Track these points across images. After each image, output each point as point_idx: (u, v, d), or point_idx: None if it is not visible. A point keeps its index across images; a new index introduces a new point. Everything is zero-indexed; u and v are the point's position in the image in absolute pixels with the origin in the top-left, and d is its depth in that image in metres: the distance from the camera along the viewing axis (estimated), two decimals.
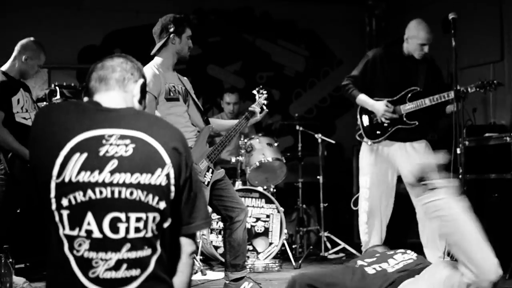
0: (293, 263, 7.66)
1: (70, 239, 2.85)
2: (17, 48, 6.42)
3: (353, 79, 7.02)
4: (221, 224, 7.56)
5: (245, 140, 8.06)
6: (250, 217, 7.72)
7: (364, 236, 7.16)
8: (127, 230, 2.85)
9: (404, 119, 6.75)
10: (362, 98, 6.91)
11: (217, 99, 9.39)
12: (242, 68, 10.75)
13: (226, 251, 5.87)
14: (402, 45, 6.88)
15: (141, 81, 3.31)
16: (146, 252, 2.87)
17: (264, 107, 6.20)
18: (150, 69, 5.64)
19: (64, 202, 2.85)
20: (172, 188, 2.94)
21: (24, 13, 9.46)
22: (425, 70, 6.84)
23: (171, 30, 5.70)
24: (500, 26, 8.53)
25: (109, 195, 2.85)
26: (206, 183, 5.65)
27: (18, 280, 5.90)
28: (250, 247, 7.64)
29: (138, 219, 2.86)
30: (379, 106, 6.77)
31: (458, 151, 5.75)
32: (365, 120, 7.01)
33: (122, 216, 2.84)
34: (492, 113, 8.43)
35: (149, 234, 2.88)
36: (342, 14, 11.16)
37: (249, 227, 7.69)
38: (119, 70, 3.27)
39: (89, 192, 2.84)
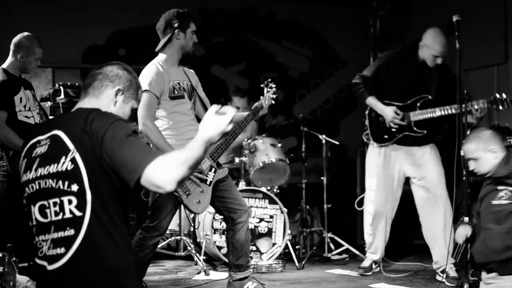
0: (296, 264, 7.65)
1: (31, 229, 3.49)
2: (11, 46, 6.43)
3: (364, 79, 6.99)
4: (224, 225, 7.56)
5: (249, 141, 8.06)
6: (253, 217, 7.72)
7: (369, 237, 7.20)
8: (50, 214, 3.29)
9: (413, 127, 6.76)
10: (372, 101, 6.90)
11: (221, 99, 9.39)
12: (246, 69, 10.75)
13: (229, 252, 5.87)
14: (417, 50, 6.84)
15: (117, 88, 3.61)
16: (69, 232, 3.25)
17: (273, 101, 6.17)
18: (153, 66, 5.63)
19: (23, 200, 3.52)
20: (83, 169, 3.24)
21: (28, 12, 9.46)
22: (438, 78, 6.81)
23: (176, 25, 5.70)
24: (505, 28, 8.54)
25: (36, 188, 3.37)
26: (208, 182, 5.64)
27: (21, 279, 5.89)
28: (254, 248, 7.65)
29: (54, 204, 3.29)
30: (388, 112, 6.76)
31: (462, 153, 5.73)
32: (373, 122, 7.01)
33: (45, 203, 3.33)
34: (496, 115, 8.42)
35: (68, 216, 3.26)
36: (347, 15, 11.16)
37: (253, 227, 7.69)
38: (99, 78, 3.62)
39: (27, 189, 3.45)
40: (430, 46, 6.69)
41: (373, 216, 7.12)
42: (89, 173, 3.23)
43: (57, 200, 3.28)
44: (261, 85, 6.26)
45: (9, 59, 6.42)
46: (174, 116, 5.61)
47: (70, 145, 3.26)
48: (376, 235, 7.16)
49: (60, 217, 3.26)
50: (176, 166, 3.13)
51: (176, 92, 5.64)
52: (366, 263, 7.22)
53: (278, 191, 8.31)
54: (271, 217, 7.83)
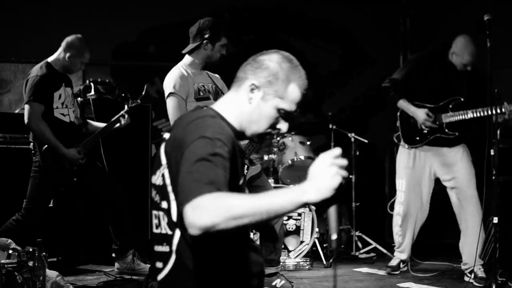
0: (324, 262, 7.66)
1: None
2: (63, 43, 6.50)
3: (394, 82, 7.02)
4: None
5: (278, 138, 8.07)
6: None
7: (398, 238, 7.21)
8: (156, 225, 3.07)
9: (445, 129, 6.74)
10: (404, 104, 6.91)
11: None
12: None
13: (261, 246, 5.90)
14: (447, 52, 6.83)
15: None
16: (165, 248, 3.01)
17: None
18: (177, 70, 5.69)
19: None
20: (169, 188, 2.96)
21: (59, 9, 9.53)
22: (468, 81, 6.79)
23: (206, 36, 5.73)
24: None
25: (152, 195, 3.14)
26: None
27: (51, 273, 5.94)
28: (282, 245, 7.66)
29: (155, 216, 3.07)
30: (420, 114, 6.76)
31: (492, 152, 5.71)
32: (405, 124, 7.00)
33: (154, 212, 3.07)
34: None
35: (164, 231, 3.02)
36: (376, 14, 11.12)
37: None
38: (247, 67, 3.34)
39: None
40: (460, 55, 6.69)
41: (403, 217, 7.13)
42: (175, 193, 2.89)
43: (156, 213, 3.06)
44: None
45: (57, 54, 6.49)
46: None
47: (163, 159, 3.01)
48: (405, 236, 7.17)
49: (159, 230, 3.04)
50: (220, 213, 2.52)
51: (201, 93, 5.69)
52: (394, 262, 7.23)
53: None
54: (299, 215, 7.83)
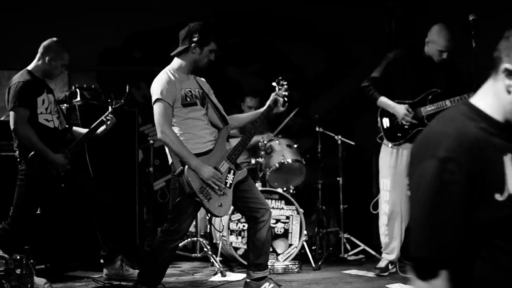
0: (313, 265, 7.66)
1: None
2: (40, 49, 6.47)
3: (373, 81, 7.07)
4: (241, 226, 7.59)
5: (265, 142, 8.07)
6: None
7: (385, 238, 7.24)
8: None
9: (425, 121, 6.75)
10: (383, 101, 6.97)
11: (236, 100, 9.39)
12: (262, 70, 10.75)
13: (249, 250, 5.92)
14: (423, 47, 6.91)
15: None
16: None
17: (285, 98, 6.19)
18: (165, 75, 5.68)
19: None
20: None
21: (44, 14, 9.52)
22: (445, 72, 6.86)
23: (194, 39, 5.71)
24: None
25: None
26: (228, 185, 5.68)
27: (39, 281, 5.93)
28: (270, 249, 7.65)
29: None
30: (400, 109, 6.81)
31: None
32: (386, 122, 7.06)
33: None
34: None
35: None
36: (362, 15, 11.13)
37: None
38: (497, 48, 2.74)
39: None
40: (435, 41, 6.75)
41: (389, 216, 7.16)
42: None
43: None
44: (273, 83, 6.28)
45: (35, 61, 6.47)
46: (188, 122, 5.66)
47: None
48: (392, 236, 7.19)
49: None
50: None
51: (188, 99, 5.68)
52: (382, 264, 7.26)
53: (294, 191, 8.31)
54: (288, 218, 7.83)
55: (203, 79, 6.08)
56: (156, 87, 5.60)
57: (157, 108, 5.55)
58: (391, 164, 7.08)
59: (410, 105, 6.81)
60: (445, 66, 6.87)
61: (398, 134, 6.95)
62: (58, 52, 6.47)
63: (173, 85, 5.60)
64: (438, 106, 6.68)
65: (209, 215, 5.79)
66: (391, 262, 7.26)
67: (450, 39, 6.70)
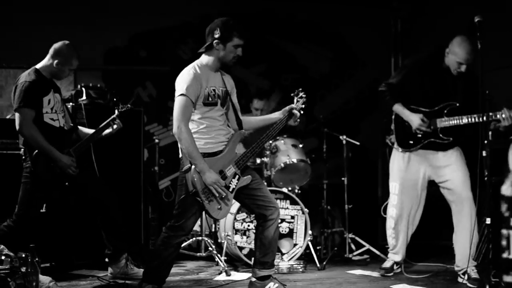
0: (318, 265, 7.65)
1: None
2: (51, 50, 6.47)
3: (390, 87, 7.03)
4: (245, 225, 7.59)
5: (270, 141, 8.07)
6: None
7: (392, 240, 7.23)
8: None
9: (439, 134, 6.74)
10: (399, 108, 6.92)
11: (242, 100, 9.39)
12: (267, 70, 10.75)
13: (256, 248, 5.91)
14: (443, 56, 6.82)
15: None
16: None
17: (302, 112, 6.14)
18: (193, 70, 5.65)
19: None
20: None
21: (51, 13, 9.53)
22: (463, 86, 6.78)
23: (216, 36, 5.69)
24: None
25: None
26: (231, 189, 5.67)
27: (44, 279, 5.93)
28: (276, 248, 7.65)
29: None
30: (415, 119, 6.76)
31: (484, 153, 5.71)
32: (399, 127, 7.00)
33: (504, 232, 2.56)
34: None
35: None
36: (367, 16, 11.14)
37: None
38: None
39: None
40: (456, 52, 6.66)
41: (396, 220, 7.15)
42: None
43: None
44: (291, 94, 6.21)
45: (45, 61, 6.47)
46: (206, 120, 5.67)
47: None
48: (398, 238, 7.18)
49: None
50: None
51: (210, 99, 5.67)
52: (387, 264, 7.24)
53: (299, 191, 8.31)
54: (293, 217, 7.83)
55: (228, 75, 6.07)
56: (182, 82, 5.58)
57: (178, 103, 5.54)
58: (401, 168, 7.05)
59: (426, 114, 6.76)
60: (464, 79, 6.78)
61: (410, 142, 6.91)
62: (68, 58, 6.47)
63: (198, 82, 5.59)
64: (454, 122, 6.62)
65: (207, 216, 5.77)
66: (396, 263, 7.23)
67: (471, 52, 6.59)
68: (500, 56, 8.54)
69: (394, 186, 7.16)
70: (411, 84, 6.92)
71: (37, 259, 5.36)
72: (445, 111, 6.73)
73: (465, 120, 6.52)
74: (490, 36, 6.27)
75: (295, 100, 6.13)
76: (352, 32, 11.18)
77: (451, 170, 6.80)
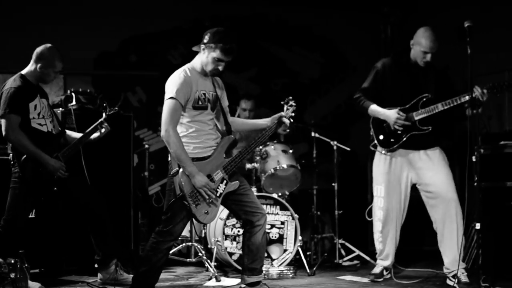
0: (308, 270, 7.64)
1: None
2: (33, 55, 6.46)
3: (364, 91, 7.10)
4: (235, 231, 7.58)
5: (260, 147, 8.07)
6: None
7: (379, 244, 7.22)
8: None
9: (417, 125, 6.76)
10: (373, 108, 6.97)
11: (232, 106, 9.39)
12: (257, 75, 10.75)
13: (244, 255, 5.91)
14: (409, 53, 6.94)
15: None
16: None
17: (291, 120, 6.15)
18: (182, 73, 5.67)
19: None
20: None
21: (40, 19, 9.52)
22: (434, 77, 6.87)
23: (204, 41, 5.72)
24: None
25: None
26: (218, 194, 5.67)
27: (33, 285, 5.93)
28: (265, 254, 7.63)
29: None
30: (391, 114, 6.81)
31: (474, 159, 5.73)
32: (378, 129, 7.04)
33: None
34: (507, 120, 8.41)
35: None
36: (358, 21, 11.17)
37: None
38: None
39: None
40: (419, 42, 6.77)
41: (383, 222, 7.14)
42: None
43: None
44: (282, 102, 6.21)
45: (29, 66, 6.46)
46: (195, 124, 5.69)
47: None
48: (386, 242, 7.17)
49: None
50: None
51: (200, 102, 5.69)
52: (377, 270, 7.22)
53: (289, 197, 8.31)
54: (282, 223, 7.83)
55: (219, 79, 6.07)
56: (172, 86, 5.60)
57: (167, 106, 5.55)
58: (385, 170, 7.06)
59: (402, 110, 6.79)
60: (434, 71, 6.88)
61: (391, 140, 6.93)
62: (50, 60, 6.44)
63: (188, 86, 5.61)
64: (430, 110, 6.65)
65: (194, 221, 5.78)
66: (385, 268, 7.22)
67: (434, 40, 6.71)
68: (489, 60, 8.57)
69: (379, 189, 7.17)
70: (383, 84, 7.01)
71: (26, 265, 5.36)
72: (420, 103, 6.78)
73: (440, 107, 6.57)
74: (479, 41, 6.32)
75: (285, 108, 6.14)
76: (343, 37, 11.20)
77: (434, 172, 6.83)
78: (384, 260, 7.22)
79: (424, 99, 6.77)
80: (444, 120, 6.82)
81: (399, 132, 6.84)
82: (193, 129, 5.68)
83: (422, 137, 6.80)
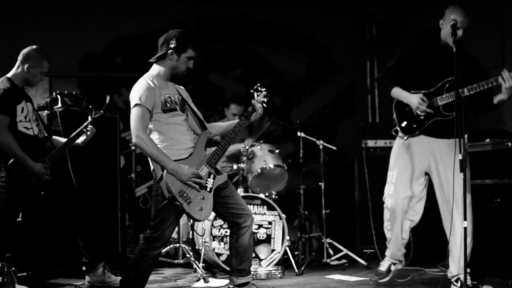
0: (296, 270, 7.65)
1: None
2: (19, 56, 6.45)
3: (387, 71, 6.82)
4: (223, 231, 7.57)
5: (247, 147, 8.07)
6: None
7: (388, 233, 6.91)
8: None
9: (441, 110, 6.40)
10: (397, 91, 6.65)
11: (218, 106, 9.39)
12: (243, 75, 10.75)
13: (232, 256, 5.91)
14: (439, 34, 6.57)
15: None
16: None
17: (264, 104, 6.18)
18: (144, 81, 5.70)
19: None
20: None
21: (25, 21, 9.47)
22: (463, 61, 6.35)
23: (171, 46, 5.74)
24: (501, 31, 8.53)
25: None
26: (208, 189, 5.66)
27: None
28: (253, 254, 7.63)
29: None
30: (414, 99, 6.45)
31: (461, 156, 5.71)
32: (401, 113, 6.71)
33: None
34: (493, 118, 8.43)
35: None
36: (343, 21, 11.18)
37: None
38: None
39: None
40: (448, 18, 6.38)
41: (390, 210, 6.78)
42: None
43: None
44: (251, 90, 6.27)
45: (15, 69, 6.45)
46: (170, 127, 5.68)
47: None
48: (393, 230, 6.81)
49: None
50: None
51: (168, 105, 5.70)
52: (383, 267, 6.92)
53: (277, 197, 8.31)
54: (270, 223, 7.83)
55: (182, 87, 6.09)
56: (135, 93, 5.62)
57: (134, 113, 5.56)
58: (400, 156, 6.68)
59: (426, 95, 6.45)
60: (464, 56, 6.38)
61: (414, 125, 6.58)
62: (37, 60, 6.44)
63: (152, 91, 5.62)
64: (452, 95, 6.24)
65: (191, 220, 5.77)
66: (394, 263, 6.89)
67: (464, 15, 6.36)
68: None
69: (391, 175, 6.80)
70: (409, 65, 6.65)
71: (13, 268, 5.34)
72: (446, 87, 6.42)
73: (466, 92, 6.14)
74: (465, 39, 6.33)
75: (255, 95, 6.20)
76: (328, 36, 11.21)
77: (451, 163, 6.26)
78: (392, 254, 6.90)
79: (450, 83, 6.38)
80: (471, 107, 6.46)
81: (422, 117, 6.49)
82: (170, 133, 5.68)
83: (445, 124, 6.40)
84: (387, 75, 6.80)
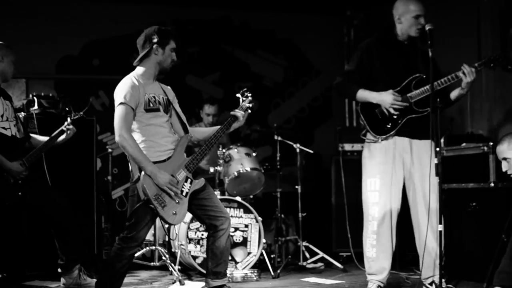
0: (272, 273, 7.65)
1: None
2: None
3: (347, 75, 6.47)
4: (199, 234, 7.57)
5: (224, 150, 8.08)
6: None
7: (372, 250, 6.37)
8: None
9: (414, 107, 6.18)
10: (364, 94, 6.29)
11: (196, 109, 9.38)
12: (221, 79, 10.76)
13: (208, 258, 5.89)
14: (394, 31, 6.39)
15: None
16: None
17: (249, 110, 6.17)
18: (129, 80, 5.66)
19: None
20: None
21: (2, 22, 9.43)
22: (421, 55, 6.27)
23: (155, 40, 5.72)
24: (477, 33, 8.58)
25: None
26: (184, 193, 5.65)
27: None
28: (229, 257, 7.61)
29: None
30: (386, 97, 6.16)
31: (436, 161, 5.72)
32: (371, 116, 6.34)
33: None
34: (469, 122, 8.48)
35: None
36: (321, 25, 11.21)
37: None
38: None
39: None
40: (407, 10, 6.24)
41: (379, 221, 6.29)
42: None
43: None
44: (237, 95, 6.25)
45: None
46: (150, 128, 5.64)
47: None
48: (381, 249, 6.31)
49: None
50: None
51: (151, 105, 5.66)
52: None
53: (253, 200, 8.33)
54: (246, 226, 7.83)
55: (169, 87, 6.06)
56: (120, 92, 5.58)
57: (118, 112, 5.53)
58: (380, 161, 6.29)
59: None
60: (421, 50, 6.30)
61: (388, 126, 6.25)
62: (7, 50, 6.44)
63: (137, 89, 5.59)
64: (425, 90, 6.07)
65: (162, 223, 5.76)
66: (380, 285, 6.35)
67: (419, 2, 6.22)
68: (451, 61, 8.63)
69: (372, 182, 6.35)
70: (370, 65, 6.35)
71: None
72: (413, 84, 6.21)
73: (437, 86, 6.00)
74: (442, 42, 6.35)
75: (241, 100, 6.19)
76: (306, 40, 11.25)
77: (424, 165, 6.18)
78: (377, 275, 6.36)
79: (416, 80, 6.21)
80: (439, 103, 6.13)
81: (395, 116, 6.21)
82: (150, 133, 5.66)
83: (419, 123, 6.17)
84: (347, 79, 6.45)
